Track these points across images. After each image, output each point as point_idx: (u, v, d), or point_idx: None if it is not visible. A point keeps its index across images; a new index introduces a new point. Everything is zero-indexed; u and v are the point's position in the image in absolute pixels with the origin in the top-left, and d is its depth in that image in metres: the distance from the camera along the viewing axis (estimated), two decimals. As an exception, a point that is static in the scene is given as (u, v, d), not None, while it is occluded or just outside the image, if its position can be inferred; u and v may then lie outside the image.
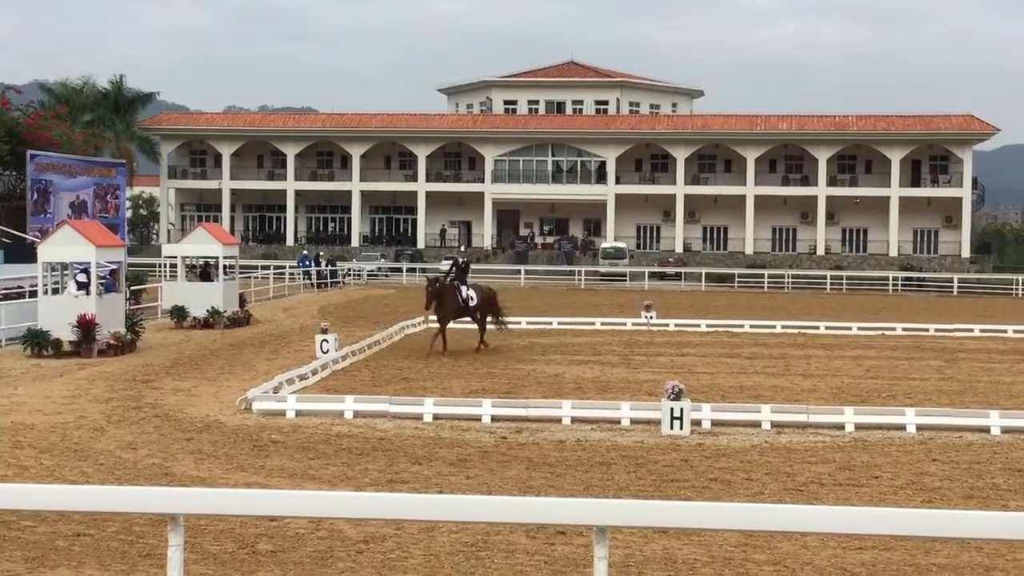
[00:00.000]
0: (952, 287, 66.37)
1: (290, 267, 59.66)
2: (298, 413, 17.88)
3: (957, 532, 6.45)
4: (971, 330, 34.88)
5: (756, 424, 17.40)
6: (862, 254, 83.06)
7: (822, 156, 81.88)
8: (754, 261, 79.46)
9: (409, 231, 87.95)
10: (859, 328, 34.99)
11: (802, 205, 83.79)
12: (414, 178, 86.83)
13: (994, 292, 65.63)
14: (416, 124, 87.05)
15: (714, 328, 34.93)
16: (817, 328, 34.95)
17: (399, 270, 71.28)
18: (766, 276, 69.00)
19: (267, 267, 56.78)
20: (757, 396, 20.57)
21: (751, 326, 35.16)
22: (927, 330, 34.93)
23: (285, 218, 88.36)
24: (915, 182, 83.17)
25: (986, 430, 17.09)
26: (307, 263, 60.34)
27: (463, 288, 27.73)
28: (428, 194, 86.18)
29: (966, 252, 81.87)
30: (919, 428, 17.18)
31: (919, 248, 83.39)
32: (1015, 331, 34.71)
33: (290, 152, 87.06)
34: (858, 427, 17.22)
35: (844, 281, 68.21)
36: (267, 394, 18.75)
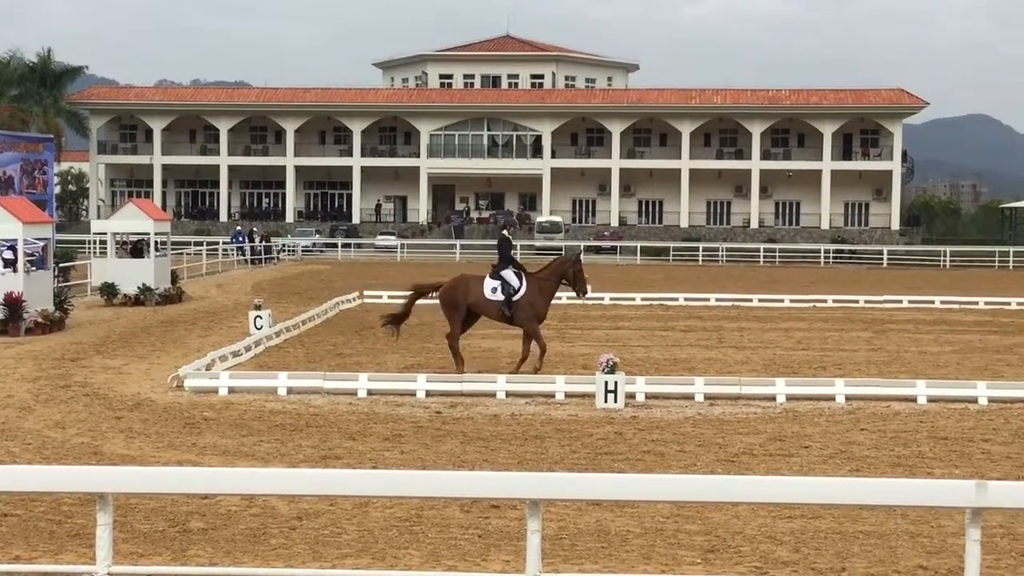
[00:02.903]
0: (882, 259, 67.27)
1: (223, 243, 59.15)
2: (231, 390, 17.74)
3: (883, 500, 6.55)
4: (900, 301, 35.40)
5: (689, 396, 17.54)
6: (795, 227, 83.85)
7: (756, 130, 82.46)
8: (689, 234, 79.94)
9: (344, 206, 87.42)
10: (791, 300, 35.38)
11: (736, 179, 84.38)
12: (349, 153, 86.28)
13: (923, 264, 66.61)
14: (351, 99, 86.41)
15: (649, 301, 35.15)
16: (750, 301, 35.28)
17: (334, 246, 71.02)
18: (701, 249, 69.50)
19: (200, 243, 56.24)
20: (691, 369, 20.75)
21: (685, 299, 35.44)
22: (857, 302, 35.41)
23: (218, 194, 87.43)
24: (846, 155, 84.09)
25: (913, 400, 17.38)
26: (241, 239, 59.85)
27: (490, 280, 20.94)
28: (363, 169, 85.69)
29: (896, 225, 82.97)
30: (848, 398, 17.42)
31: (850, 221, 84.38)
32: (942, 302, 35.37)
33: (223, 127, 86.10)
34: (789, 398, 17.43)
35: (777, 254, 68.90)
36: (199, 371, 18.57)
